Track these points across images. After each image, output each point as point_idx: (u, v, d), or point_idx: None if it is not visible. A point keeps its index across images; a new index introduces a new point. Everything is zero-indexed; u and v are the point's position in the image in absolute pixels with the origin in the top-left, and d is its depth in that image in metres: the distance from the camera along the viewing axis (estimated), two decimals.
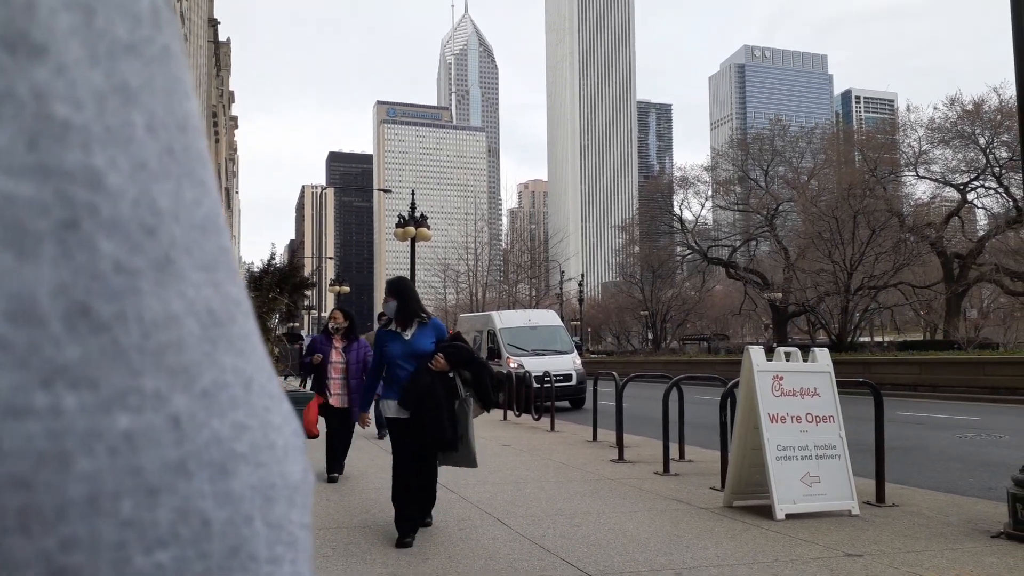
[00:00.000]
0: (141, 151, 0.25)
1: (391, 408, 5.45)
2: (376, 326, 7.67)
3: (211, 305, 0.27)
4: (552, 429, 12.35)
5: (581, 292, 60.14)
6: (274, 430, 0.29)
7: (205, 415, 0.26)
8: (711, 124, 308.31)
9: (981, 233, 41.11)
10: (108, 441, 0.23)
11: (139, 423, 0.23)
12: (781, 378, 6.18)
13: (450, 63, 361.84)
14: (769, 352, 6.51)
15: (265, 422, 0.29)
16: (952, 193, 41.48)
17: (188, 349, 0.25)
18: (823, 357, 6.54)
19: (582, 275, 65.95)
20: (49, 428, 0.22)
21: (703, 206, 53.78)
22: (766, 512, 5.86)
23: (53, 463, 0.22)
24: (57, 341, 0.22)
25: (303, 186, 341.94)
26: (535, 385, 14.54)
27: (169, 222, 0.25)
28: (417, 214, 23.84)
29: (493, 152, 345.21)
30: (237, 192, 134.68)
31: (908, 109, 42.47)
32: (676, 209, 54.64)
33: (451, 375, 5.46)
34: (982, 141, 37.71)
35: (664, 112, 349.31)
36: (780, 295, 44.09)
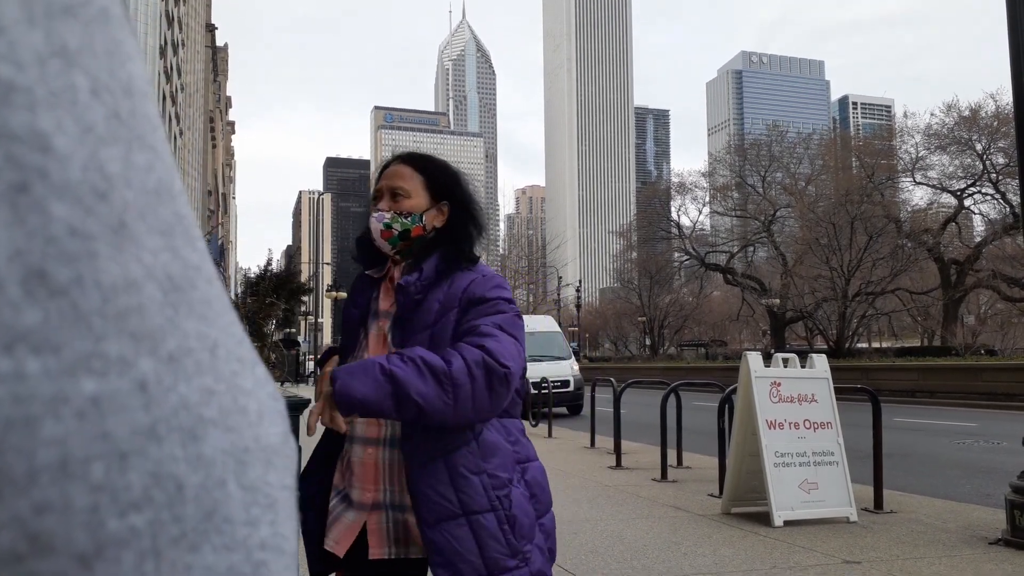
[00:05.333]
0: (87, 114, 0.24)
1: None
2: None
3: (170, 270, 0.27)
4: (550, 436, 12.33)
5: (579, 298, 60.20)
6: (244, 394, 0.29)
7: (172, 380, 0.25)
8: (708, 130, 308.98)
9: (978, 239, 41.17)
10: (75, 406, 0.23)
11: (105, 388, 0.23)
12: (779, 384, 6.17)
13: (448, 69, 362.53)
14: (767, 358, 6.51)
15: (234, 386, 0.29)
16: (949, 199, 41.55)
17: (150, 314, 0.25)
18: (821, 363, 6.53)
19: (580, 281, 65.99)
20: (14, 393, 0.22)
21: (701, 212, 53.90)
22: (764, 519, 5.84)
23: (20, 428, 0.22)
24: (16, 306, 0.22)
25: (300, 191, 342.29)
26: (532, 391, 14.53)
27: (121, 187, 0.25)
28: None
29: (491, 157, 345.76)
30: (234, 197, 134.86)
31: (905, 115, 42.59)
32: (674, 215, 54.73)
33: None
34: (979, 147, 37.80)
35: (661, 118, 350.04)
36: (778, 301, 44.13)
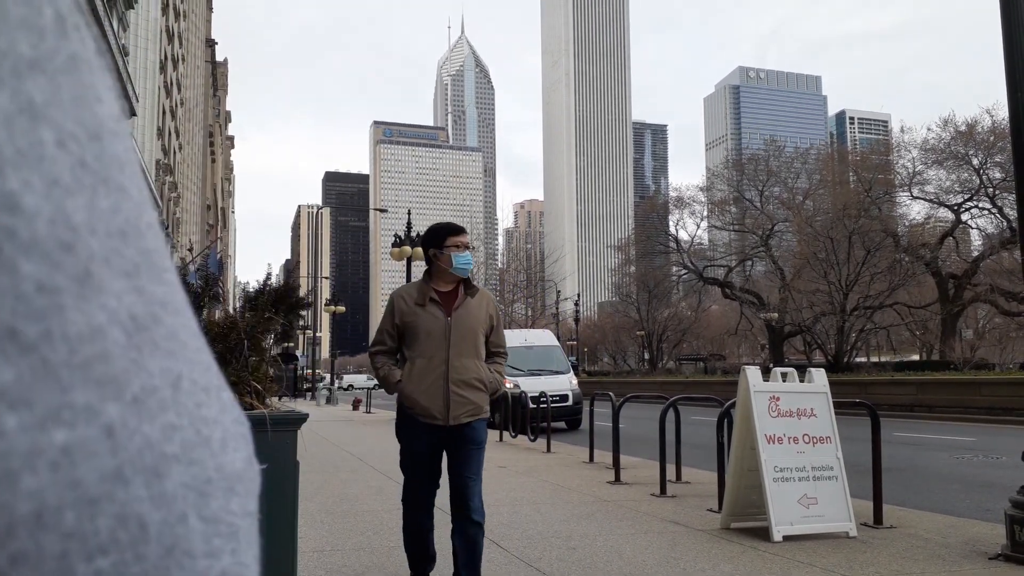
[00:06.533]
0: (53, 168, 0.25)
1: None
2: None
3: (134, 311, 0.27)
4: (548, 450, 12.30)
5: (577, 312, 60.17)
6: (208, 424, 0.30)
7: (136, 421, 0.26)
8: (706, 144, 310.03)
9: (976, 253, 41.25)
10: (48, 457, 0.23)
11: (75, 437, 0.24)
12: (778, 399, 6.16)
13: (446, 84, 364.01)
14: (765, 372, 6.50)
15: (197, 418, 0.29)
16: (946, 213, 41.66)
17: (115, 359, 0.26)
18: (819, 377, 6.53)
19: (578, 295, 66.04)
20: None
21: (699, 226, 54.02)
22: (763, 534, 5.82)
23: (2, 483, 0.22)
24: None
25: (299, 205, 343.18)
26: (531, 406, 14.50)
27: (86, 235, 0.25)
28: (413, 234, 23.89)
29: (489, 172, 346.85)
30: (233, 211, 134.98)
31: (902, 130, 42.74)
32: (672, 229, 54.79)
33: None
34: (976, 162, 37.93)
35: (659, 133, 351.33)
36: (776, 315, 44.15)
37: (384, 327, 4.22)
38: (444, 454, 4.20)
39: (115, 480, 0.25)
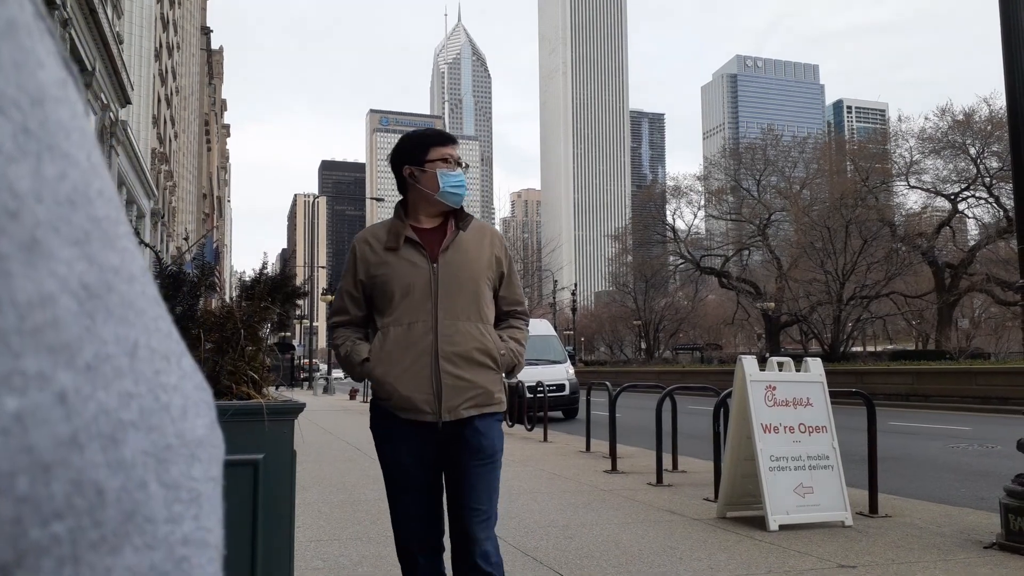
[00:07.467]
0: None
1: None
2: None
3: (85, 279, 0.27)
4: (545, 440, 12.32)
5: (574, 302, 60.21)
6: (168, 391, 0.29)
7: (90, 388, 0.26)
8: (703, 134, 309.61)
9: (972, 243, 41.30)
10: None
11: (26, 403, 0.24)
12: (774, 388, 6.17)
13: (443, 72, 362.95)
14: (762, 362, 6.51)
15: (156, 385, 0.29)
16: (943, 203, 41.68)
17: (66, 326, 0.25)
18: (816, 367, 6.54)
19: (575, 284, 66.12)
20: None
21: (696, 215, 53.98)
22: (759, 523, 5.84)
23: None
24: None
25: (295, 195, 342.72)
26: (528, 395, 14.52)
27: (32, 202, 0.25)
28: None
29: (486, 161, 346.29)
30: (229, 200, 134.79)
31: (899, 119, 42.68)
32: (669, 218, 54.74)
33: None
34: (973, 151, 37.92)
35: (657, 122, 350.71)
36: (773, 305, 44.21)
37: (345, 288, 2.94)
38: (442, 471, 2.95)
39: (70, 446, 0.24)
